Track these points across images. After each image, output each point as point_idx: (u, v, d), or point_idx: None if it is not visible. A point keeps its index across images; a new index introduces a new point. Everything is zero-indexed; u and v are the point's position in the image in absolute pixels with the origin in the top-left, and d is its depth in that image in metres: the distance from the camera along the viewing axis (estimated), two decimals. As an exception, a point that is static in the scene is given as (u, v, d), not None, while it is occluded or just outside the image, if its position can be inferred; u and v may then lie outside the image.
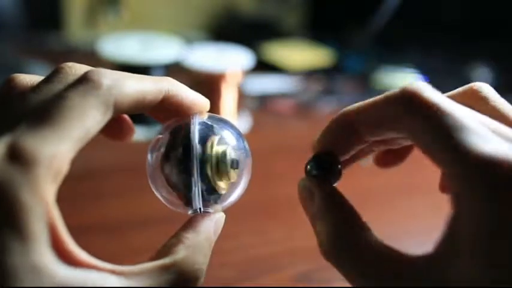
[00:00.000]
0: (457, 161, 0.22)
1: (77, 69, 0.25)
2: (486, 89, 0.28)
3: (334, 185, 0.29)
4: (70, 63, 0.25)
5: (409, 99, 0.24)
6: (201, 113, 0.28)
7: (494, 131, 0.23)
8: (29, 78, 0.25)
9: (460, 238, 0.22)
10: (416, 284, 0.23)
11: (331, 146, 0.28)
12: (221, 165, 0.27)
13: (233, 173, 0.27)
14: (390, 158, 0.33)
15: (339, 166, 0.29)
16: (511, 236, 0.21)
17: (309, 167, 0.29)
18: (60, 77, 0.24)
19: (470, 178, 0.22)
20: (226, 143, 0.27)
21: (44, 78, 0.24)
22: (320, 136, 0.29)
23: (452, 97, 0.28)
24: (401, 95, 0.24)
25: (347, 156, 0.29)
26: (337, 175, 0.29)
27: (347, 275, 0.25)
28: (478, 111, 0.25)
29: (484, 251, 0.21)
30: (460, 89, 0.29)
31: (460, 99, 0.27)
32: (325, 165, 0.29)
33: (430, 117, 0.23)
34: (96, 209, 0.54)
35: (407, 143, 0.29)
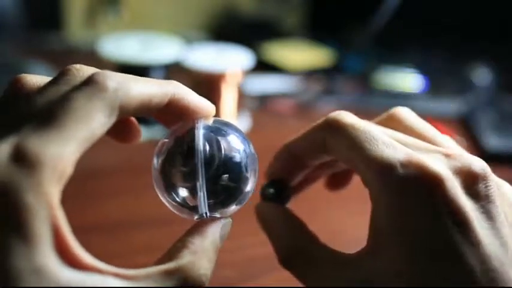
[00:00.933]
0: (369, 167, 0.27)
1: (84, 71, 0.24)
2: (403, 113, 0.32)
3: (286, 205, 0.34)
4: (77, 65, 0.25)
5: (330, 124, 0.29)
6: (206, 117, 0.28)
7: (402, 143, 0.28)
8: (35, 80, 0.25)
9: (378, 232, 0.26)
10: (347, 278, 0.27)
11: (280, 173, 0.33)
12: (226, 169, 0.27)
13: (239, 177, 0.27)
14: (335, 181, 0.37)
15: (288, 189, 0.34)
16: (412, 226, 0.25)
17: (264, 191, 0.34)
18: (67, 79, 0.24)
19: (379, 179, 0.26)
20: (231, 147, 0.27)
21: (51, 80, 0.24)
22: (270, 165, 0.34)
23: (376, 122, 0.33)
24: (325, 123, 0.30)
25: (298, 181, 0.34)
26: (287, 196, 0.34)
27: (301, 280, 0.29)
28: (396, 130, 0.30)
29: (395, 244, 0.25)
30: (383, 115, 0.33)
31: (383, 123, 0.32)
32: (277, 189, 0.34)
33: (345, 134, 0.28)
34: (96, 208, 0.54)
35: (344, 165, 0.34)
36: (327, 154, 0.30)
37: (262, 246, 0.51)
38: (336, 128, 0.29)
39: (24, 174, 0.20)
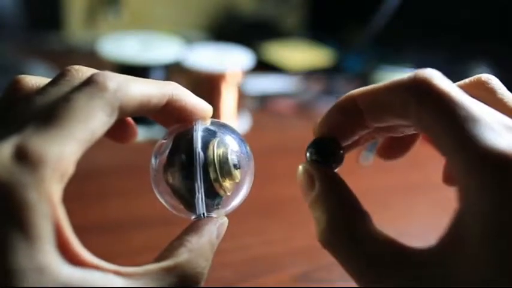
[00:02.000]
0: (469, 154, 0.22)
1: (83, 72, 0.25)
2: (494, 81, 0.28)
3: (335, 170, 0.28)
4: (77, 66, 0.25)
5: (419, 86, 0.23)
6: (204, 118, 0.28)
7: (504, 126, 0.23)
8: (35, 80, 0.25)
9: (466, 232, 0.22)
10: (416, 276, 0.23)
11: (332, 130, 0.28)
12: (224, 170, 0.27)
13: (236, 178, 0.27)
14: (394, 148, 0.32)
15: (341, 151, 0.28)
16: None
17: (308, 152, 0.28)
18: (66, 79, 0.24)
19: (482, 173, 0.22)
20: (228, 148, 0.27)
21: (51, 81, 0.25)
22: (322, 119, 0.28)
23: (460, 87, 0.27)
24: (412, 82, 0.24)
25: (348, 142, 0.29)
26: (339, 160, 0.28)
27: (345, 265, 0.25)
28: (485, 102, 0.24)
29: (490, 247, 0.21)
30: (468, 79, 0.28)
31: (467, 89, 0.26)
32: (326, 150, 0.28)
33: (442, 106, 0.23)
34: (96, 209, 0.54)
35: (411, 131, 0.29)
36: (404, 119, 0.25)
37: (262, 246, 0.51)
38: (428, 94, 0.23)
39: (27, 172, 0.20)
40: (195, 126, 0.27)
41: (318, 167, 0.27)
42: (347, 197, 0.26)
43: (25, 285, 0.19)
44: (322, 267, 0.47)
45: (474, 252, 0.21)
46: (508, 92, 0.27)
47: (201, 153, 0.26)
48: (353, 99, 0.27)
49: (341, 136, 0.28)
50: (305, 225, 0.52)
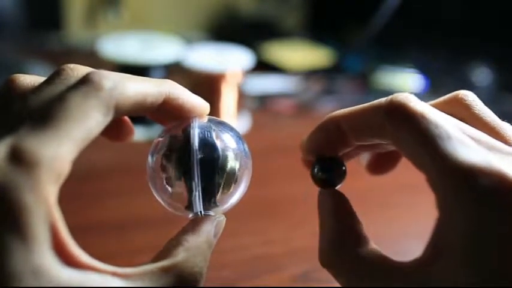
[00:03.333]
0: (442, 170, 0.23)
1: (78, 70, 0.25)
2: (471, 97, 0.29)
3: (339, 190, 0.30)
4: (71, 65, 0.25)
5: (394, 108, 0.25)
6: (201, 116, 0.28)
7: (476, 140, 0.24)
8: (30, 79, 0.25)
9: (445, 243, 0.23)
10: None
11: (317, 149, 0.30)
12: (221, 167, 0.27)
13: (233, 176, 0.27)
14: (382, 164, 0.34)
15: (343, 168, 0.30)
16: (493, 241, 0.22)
17: (315, 169, 0.30)
18: (61, 78, 0.24)
19: (455, 186, 0.23)
20: (226, 146, 0.27)
21: (45, 80, 0.24)
22: (307, 138, 0.30)
23: (436, 105, 0.29)
24: (387, 105, 0.26)
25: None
26: (342, 176, 0.30)
27: (342, 284, 0.26)
28: (460, 118, 0.26)
29: (467, 255, 0.22)
30: (444, 97, 0.30)
31: (444, 106, 0.28)
32: (330, 168, 0.30)
33: (415, 126, 0.24)
34: (95, 209, 0.54)
35: (393, 148, 0.30)
36: (384, 140, 0.27)
37: (262, 246, 0.51)
38: (402, 115, 0.25)
39: (22, 174, 0.20)
40: (192, 124, 0.27)
41: (322, 190, 0.30)
42: (346, 219, 0.28)
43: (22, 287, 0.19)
44: (322, 267, 0.47)
45: (454, 262, 0.23)
46: (485, 108, 0.28)
47: (198, 151, 0.26)
48: (335, 120, 0.29)
49: (324, 153, 0.30)
50: (305, 225, 0.52)
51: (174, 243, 0.25)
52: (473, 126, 0.26)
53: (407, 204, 0.60)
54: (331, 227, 0.27)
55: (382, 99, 0.26)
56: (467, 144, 0.24)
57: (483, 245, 0.22)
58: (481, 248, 0.22)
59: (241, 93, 0.75)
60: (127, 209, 0.54)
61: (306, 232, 0.51)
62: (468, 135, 0.25)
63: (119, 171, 0.62)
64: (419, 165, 0.25)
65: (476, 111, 0.28)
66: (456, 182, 0.23)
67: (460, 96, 0.29)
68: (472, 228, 0.22)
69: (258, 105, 0.82)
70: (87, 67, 0.25)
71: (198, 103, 0.28)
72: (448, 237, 0.23)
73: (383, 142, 0.27)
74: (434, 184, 0.24)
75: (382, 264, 0.25)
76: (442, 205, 0.24)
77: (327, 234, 0.27)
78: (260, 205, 0.56)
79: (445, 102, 0.29)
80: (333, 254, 0.27)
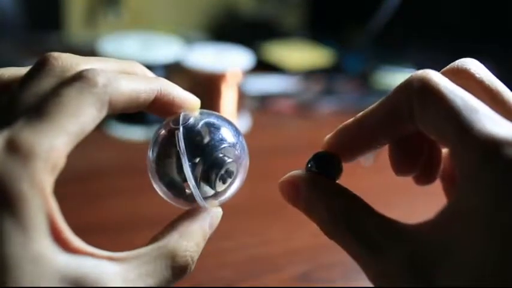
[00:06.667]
0: (469, 141, 0.23)
1: (62, 59, 0.25)
2: (474, 66, 0.28)
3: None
4: (55, 54, 0.25)
5: (418, 85, 0.25)
6: (192, 110, 0.28)
7: (501, 117, 0.24)
8: (10, 72, 0.26)
9: (467, 206, 0.23)
10: (416, 246, 0.24)
11: (340, 147, 0.29)
12: (216, 160, 0.27)
13: (229, 167, 0.28)
14: (426, 174, 0.32)
15: (340, 164, 0.29)
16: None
17: (309, 165, 0.29)
18: (47, 69, 0.24)
19: (481, 157, 0.23)
20: (220, 138, 0.28)
21: (31, 71, 0.25)
22: (329, 138, 0.29)
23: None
24: (409, 84, 0.25)
25: (352, 159, 0.29)
26: (338, 173, 0.29)
27: (351, 251, 0.26)
28: (466, 89, 0.25)
29: (491, 218, 0.22)
30: (447, 68, 0.29)
31: (449, 78, 0.27)
32: (326, 163, 0.28)
33: (442, 100, 0.24)
34: (96, 209, 0.54)
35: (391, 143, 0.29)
36: (413, 124, 0.26)
37: (262, 246, 0.51)
38: (427, 91, 0.25)
39: (18, 164, 0.20)
40: (183, 117, 0.28)
41: (311, 174, 0.28)
42: (349, 194, 0.27)
43: (22, 276, 0.20)
44: (322, 267, 0.47)
45: (476, 225, 0.22)
46: (487, 74, 0.28)
47: (183, 145, 0.26)
48: (358, 122, 0.28)
49: (348, 153, 0.29)
50: (305, 225, 0.52)
51: (169, 228, 0.26)
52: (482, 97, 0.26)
53: (408, 204, 0.60)
54: (335, 201, 0.27)
55: (402, 83, 0.26)
56: (492, 118, 0.24)
57: (507, 210, 0.22)
58: (505, 213, 0.22)
59: (241, 93, 0.75)
60: (127, 209, 0.54)
61: (306, 232, 0.51)
62: (492, 111, 0.24)
63: (119, 171, 0.62)
64: (445, 139, 0.25)
65: (482, 78, 0.27)
66: (483, 152, 0.23)
67: (462, 65, 0.28)
68: (497, 194, 0.22)
69: (258, 105, 0.82)
70: (69, 54, 0.25)
71: (187, 98, 0.28)
72: (471, 202, 0.23)
73: (412, 128, 0.26)
74: (459, 156, 0.24)
75: (392, 224, 0.25)
76: (466, 174, 0.23)
77: (329, 208, 0.27)
78: (260, 205, 0.56)
79: (447, 73, 0.28)
80: (341, 223, 0.26)
